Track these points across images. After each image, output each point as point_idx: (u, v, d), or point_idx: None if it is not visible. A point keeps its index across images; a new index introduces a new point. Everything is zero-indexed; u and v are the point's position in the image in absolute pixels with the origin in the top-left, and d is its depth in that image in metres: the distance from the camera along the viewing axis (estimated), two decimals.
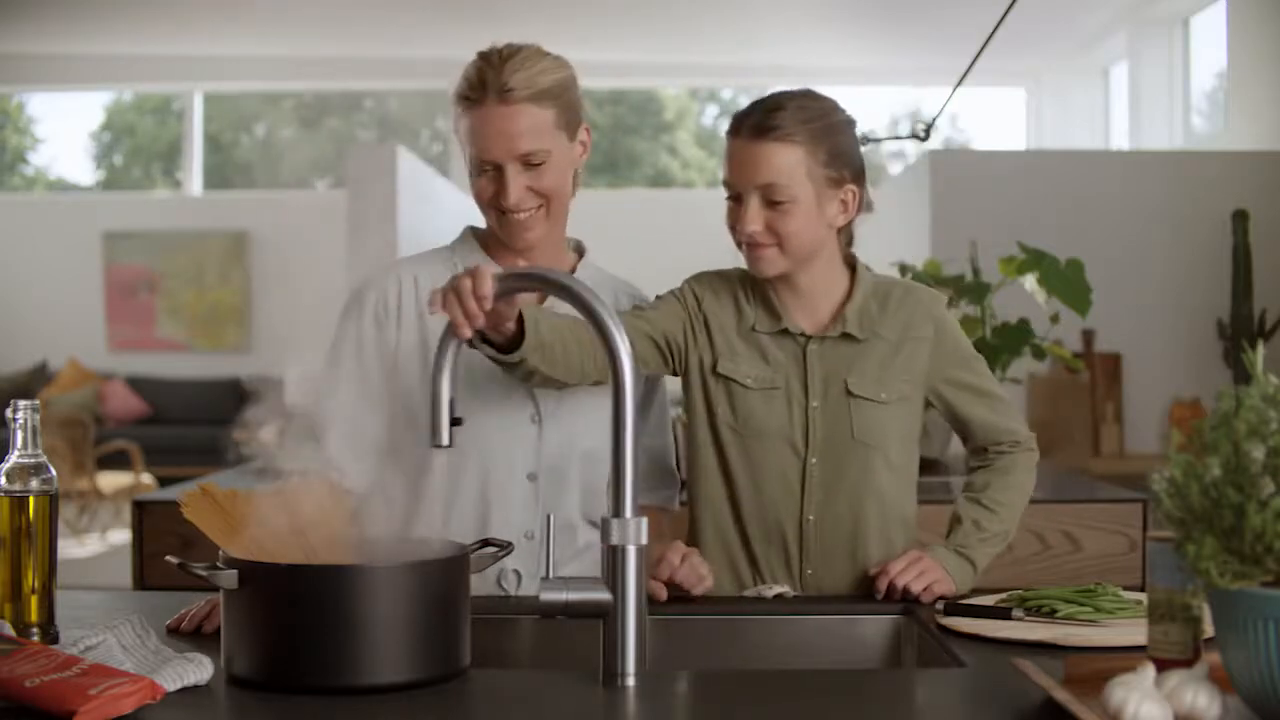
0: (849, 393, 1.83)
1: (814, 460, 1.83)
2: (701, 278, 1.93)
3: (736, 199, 1.80)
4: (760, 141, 1.77)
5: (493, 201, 1.81)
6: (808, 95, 1.82)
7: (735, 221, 1.80)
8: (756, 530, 1.85)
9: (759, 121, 1.77)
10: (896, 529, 1.89)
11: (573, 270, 1.93)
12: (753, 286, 1.88)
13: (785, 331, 1.85)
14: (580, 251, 1.97)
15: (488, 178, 1.80)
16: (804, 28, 9.76)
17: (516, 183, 1.77)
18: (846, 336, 1.84)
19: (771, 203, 1.77)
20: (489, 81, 1.75)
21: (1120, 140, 9.65)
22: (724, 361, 1.86)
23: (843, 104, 1.85)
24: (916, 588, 1.75)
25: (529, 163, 1.77)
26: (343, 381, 1.85)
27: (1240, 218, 5.52)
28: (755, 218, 1.78)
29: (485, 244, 1.91)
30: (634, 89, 12.38)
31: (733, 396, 1.85)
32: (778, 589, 1.81)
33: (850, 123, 1.85)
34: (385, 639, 1.31)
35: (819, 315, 1.86)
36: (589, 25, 9.72)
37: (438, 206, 7.64)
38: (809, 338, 1.85)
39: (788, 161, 1.76)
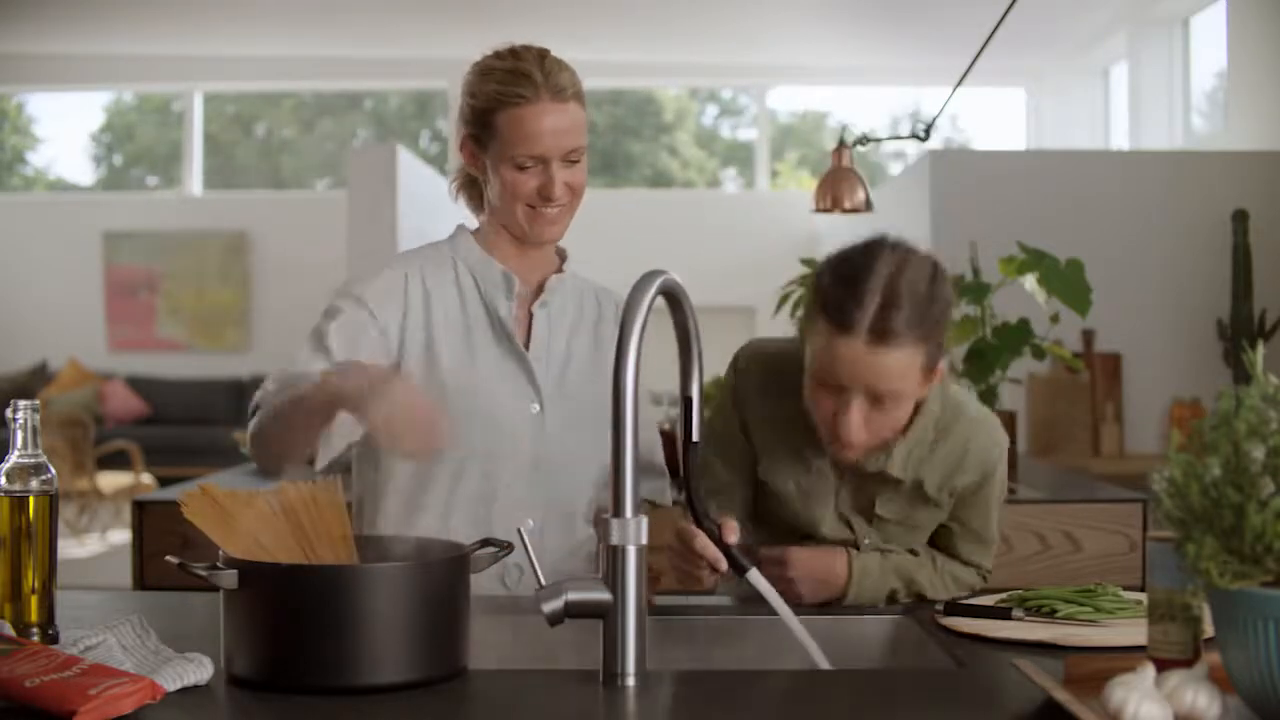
0: (876, 515, 1.81)
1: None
2: (750, 370, 1.83)
3: (830, 387, 1.64)
4: (878, 349, 1.58)
5: (532, 196, 1.84)
6: (912, 270, 1.61)
7: (833, 417, 1.65)
8: None
9: (876, 324, 1.58)
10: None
11: (558, 271, 1.95)
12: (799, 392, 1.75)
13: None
14: (562, 256, 2.00)
15: (529, 173, 1.83)
16: (804, 28, 9.76)
17: (559, 177, 1.83)
18: (881, 475, 1.76)
19: (877, 400, 1.63)
20: (539, 80, 1.80)
21: (1120, 140, 9.64)
22: (765, 463, 1.83)
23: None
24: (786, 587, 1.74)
25: (570, 159, 1.84)
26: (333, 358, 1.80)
27: (1240, 218, 5.52)
28: (860, 421, 1.64)
29: (482, 243, 1.93)
30: (633, 89, 12.37)
31: (770, 499, 1.84)
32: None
33: (948, 282, 1.66)
34: (385, 639, 1.31)
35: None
36: (589, 25, 9.72)
37: (438, 206, 7.63)
38: (846, 469, 1.78)
39: (903, 364, 1.60)
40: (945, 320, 1.64)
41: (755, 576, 1.57)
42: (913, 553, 1.84)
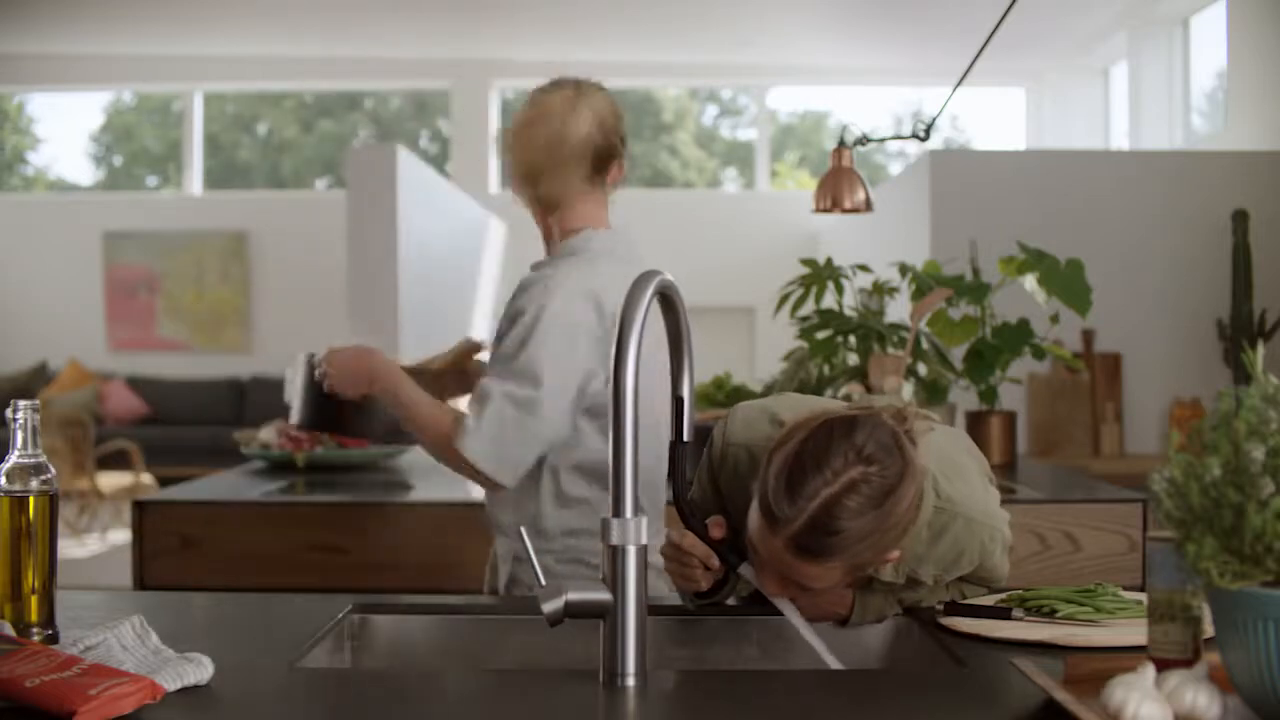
0: (874, 589, 1.72)
1: None
2: (727, 456, 1.70)
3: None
4: (798, 559, 1.47)
5: None
6: (864, 493, 1.45)
7: (755, 571, 1.58)
8: None
9: (801, 538, 1.45)
10: None
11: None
12: None
13: None
14: None
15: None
16: (803, 28, 9.76)
17: None
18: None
19: (803, 587, 1.54)
20: None
21: (1120, 140, 9.65)
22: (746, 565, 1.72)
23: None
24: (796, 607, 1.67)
25: None
26: None
27: (1240, 218, 5.52)
28: (779, 588, 1.56)
29: None
30: (633, 89, 12.37)
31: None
32: None
33: (910, 499, 1.49)
34: None
35: None
36: (589, 25, 9.72)
37: (438, 207, 7.63)
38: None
39: (824, 574, 1.49)
40: (892, 537, 1.48)
41: (747, 570, 1.56)
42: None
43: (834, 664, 1.52)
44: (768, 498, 1.47)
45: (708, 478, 1.76)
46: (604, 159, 2.20)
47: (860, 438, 1.46)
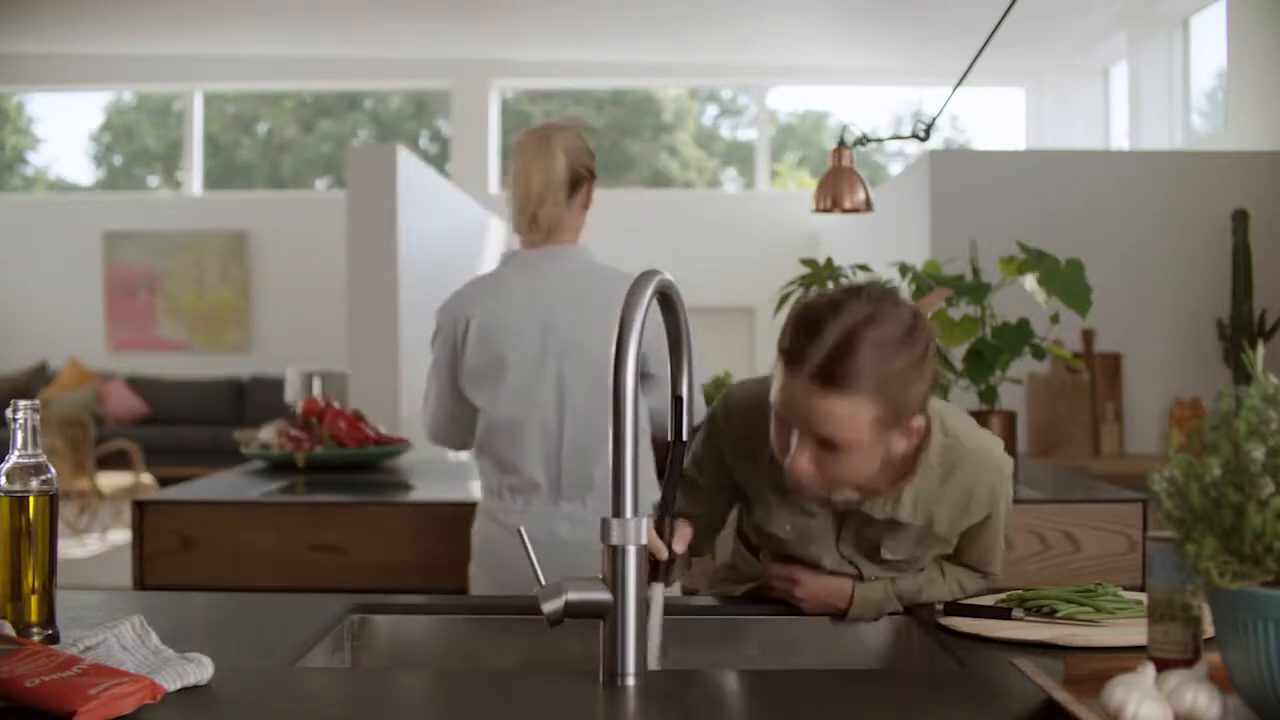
0: (880, 559, 1.74)
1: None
2: (731, 418, 1.75)
3: (785, 422, 1.57)
4: (824, 392, 1.50)
5: None
6: (882, 323, 1.52)
7: (781, 448, 1.59)
8: None
9: (825, 367, 1.50)
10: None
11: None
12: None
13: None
14: None
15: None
16: (803, 28, 9.76)
17: None
18: (890, 521, 1.69)
19: (828, 445, 1.54)
20: None
21: (1120, 140, 9.65)
22: (758, 511, 1.77)
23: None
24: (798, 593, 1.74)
25: None
26: None
27: (1240, 218, 5.52)
28: (805, 462, 1.56)
29: None
30: (633, 89, 12.37)
31: (768, 539, 1.79)
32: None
33: (926, 343, 1.56)
34: None
35: None
36: (589, 25, 9.72)
37: (438, 206, 7.63)
38: (848, 514, 1.72)
39: (850, 413, 1.51)
40: (913, 377, 1.53)
41: (658, 591, 1.53)
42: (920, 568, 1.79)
43: (654, 663, 1.51)
44: (787, 343, 1.53)
45: (708, 451, 1.79)
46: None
47: (869, 291, 1.55)
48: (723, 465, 1.79)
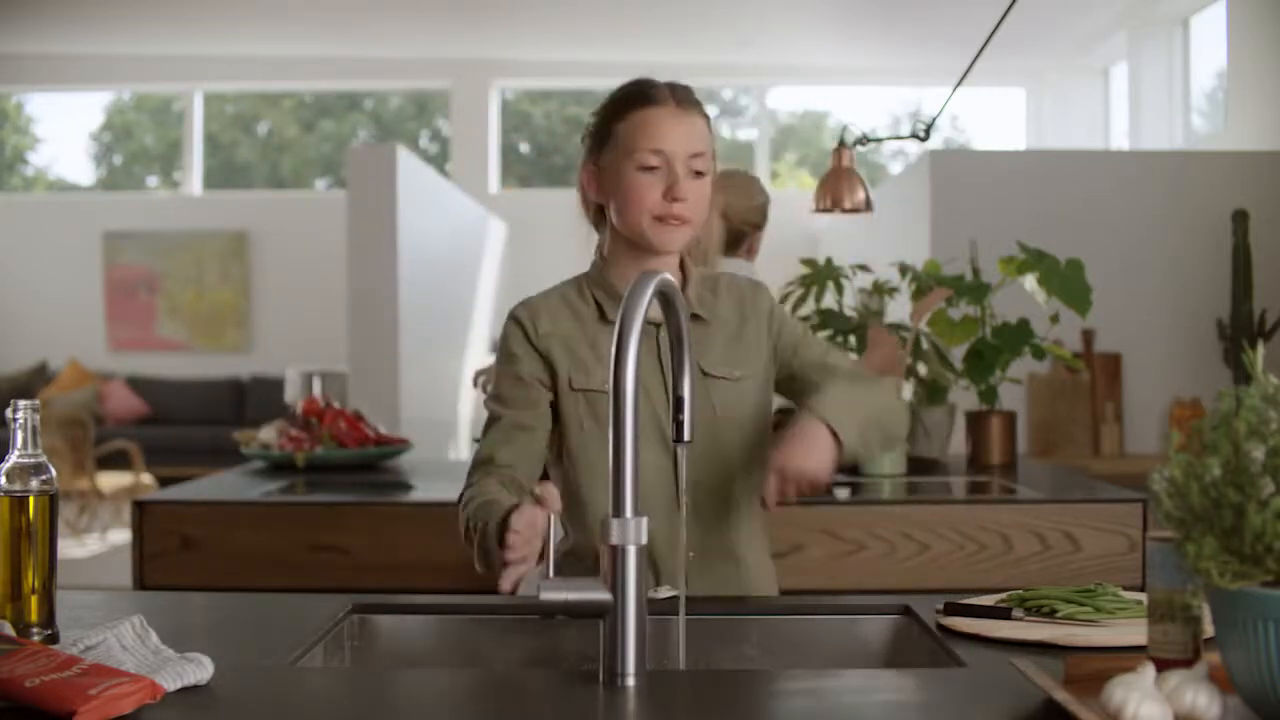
0: (704, 373, 1.85)
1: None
2: (521, 310, 1.89)
3: (654, 169, 1.80)
4: (691, 111, 1.81)
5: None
6: None
7: (665, 191, 1.79)
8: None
9: (678, 93, 1.82)
10: (756, 501, 1.90)
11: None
12: (579, 291, 1.89)
13: None
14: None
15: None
16: (803, 28, 9.76)
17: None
18: (694, 318, 1.85)
19: (696, 173, 1.80)
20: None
21: (1120, 140, 9.65)
22: (577, 377, 1.84)
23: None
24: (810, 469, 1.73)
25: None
26: None
27: (1240, 218, 5.52)
28: (689, 184, 1.79)
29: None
30: None
31: (594, 405, 1.83)
32: (666, 592, 1.81)
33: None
34: None
35: None
36: (589, 25, 9.72)
37: (438, 206, 7.63)
38: (659, 325, 1.83)
39: (704, 132, 1.82)
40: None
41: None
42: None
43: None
44: (631, 97, 1.86)
45: (519, 350, 1.86)
46: None
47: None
48: (533, 353, 1.86)
